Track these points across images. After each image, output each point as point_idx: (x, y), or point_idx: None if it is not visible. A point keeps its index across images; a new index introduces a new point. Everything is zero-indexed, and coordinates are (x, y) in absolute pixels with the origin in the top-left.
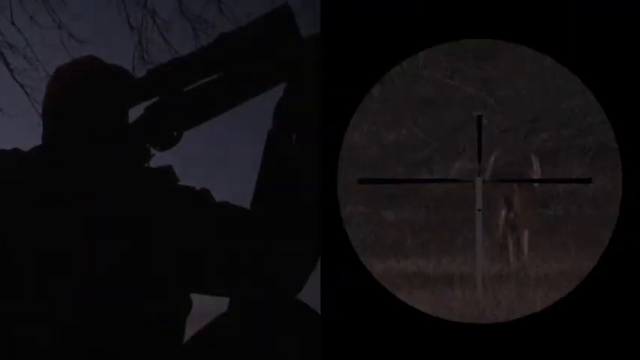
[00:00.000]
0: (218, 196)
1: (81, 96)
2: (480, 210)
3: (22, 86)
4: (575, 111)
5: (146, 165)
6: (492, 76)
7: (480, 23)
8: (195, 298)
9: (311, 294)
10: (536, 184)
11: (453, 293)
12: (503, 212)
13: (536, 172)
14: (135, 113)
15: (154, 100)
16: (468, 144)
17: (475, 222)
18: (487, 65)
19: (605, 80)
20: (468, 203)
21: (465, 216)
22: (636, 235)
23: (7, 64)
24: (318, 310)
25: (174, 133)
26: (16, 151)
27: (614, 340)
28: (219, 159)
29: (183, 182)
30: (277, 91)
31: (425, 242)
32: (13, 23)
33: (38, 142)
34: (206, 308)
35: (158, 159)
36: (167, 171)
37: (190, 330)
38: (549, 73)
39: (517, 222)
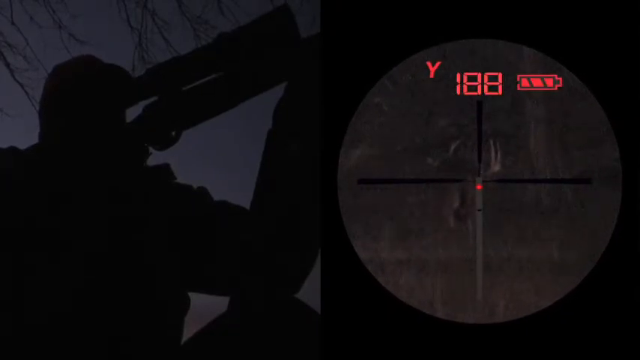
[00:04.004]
0: (218, 196)
1: (79, 94)
2: (480, 210)
3: (22, 86)
4: (472, 99)
5: (144, 164)
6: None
7: (481, 23)
8: (195, 298)
9: (311, 294)
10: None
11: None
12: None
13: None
14: (134, 113)
15: (153, 99)
16: (367, 130)
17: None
18: None
19: (602, 76)
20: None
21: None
22: (634, 235)
23: (7, 64)
24: (318, 310)
25: (173, 133)
26: (13, 149)
27: (612, 341)
28: (219, 159)
29: (182, 182)
30: (277, 91)
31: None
32: (13, 23)
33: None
34: (206, 308)
35: (156, 157)
36: (164, 169)
37: (190, 330)
38: (452, 60)
39: (465, 214)
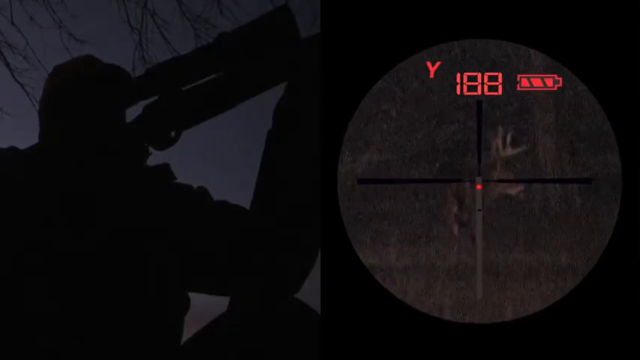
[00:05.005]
0: (218, 196)
1: (78, 95)
2: (480, 210)
3: (22, 86)
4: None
5: (144, 164)
6: (401, 67)
7: (481, 23)
8: (195, 298)
9: (311, 294)
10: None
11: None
12: (455, 209)
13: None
14: (134, 113)
15: (153, 99)
16: (377, 135)
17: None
18: None
19: (602, 76)
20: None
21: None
22: (634, 235)
23: (7, 64)
24: (318, 310)
25: (173, 133)
26: (13, 149)
27: (612, 341)
28: (219, 159)
29: (182, 182)
30: (277, 91)
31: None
32: (13, 23)
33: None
34: (206, 308)
35: (156, 158)
36: (164, 169)
37: (190, 330)
38: (457, 65)
39: (465, 219)
